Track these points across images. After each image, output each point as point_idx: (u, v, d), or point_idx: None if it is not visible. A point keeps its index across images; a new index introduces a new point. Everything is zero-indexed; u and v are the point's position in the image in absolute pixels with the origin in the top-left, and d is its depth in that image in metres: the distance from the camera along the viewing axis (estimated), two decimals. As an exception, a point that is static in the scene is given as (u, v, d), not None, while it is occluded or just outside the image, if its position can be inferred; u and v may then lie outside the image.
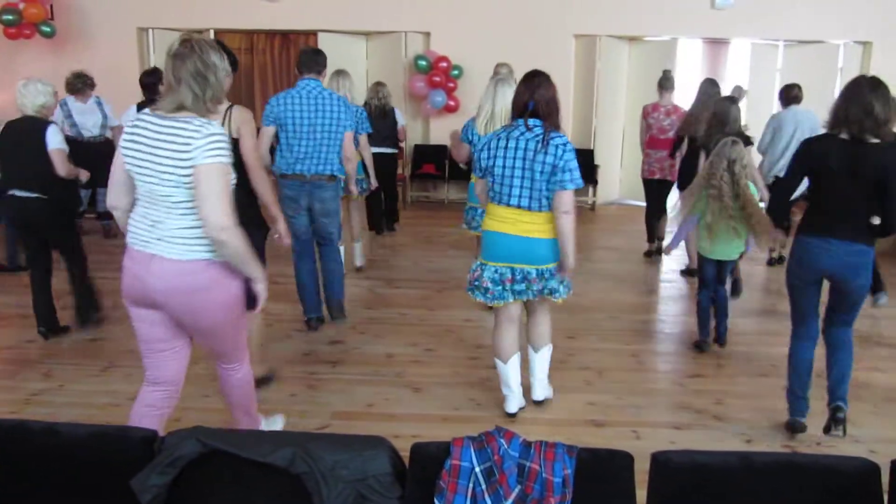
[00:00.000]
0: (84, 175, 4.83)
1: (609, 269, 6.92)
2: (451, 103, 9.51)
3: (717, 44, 10.42)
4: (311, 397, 4.01)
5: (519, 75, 4.62)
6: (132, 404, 3.76)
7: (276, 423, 3.57)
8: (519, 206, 3.52)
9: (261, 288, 2.76)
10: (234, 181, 2.65)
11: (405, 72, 9.57)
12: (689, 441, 3.60)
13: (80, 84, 7.27)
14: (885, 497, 1.78)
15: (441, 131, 9.60)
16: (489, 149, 3.61)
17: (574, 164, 3.49)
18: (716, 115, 5.29)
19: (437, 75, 9.32)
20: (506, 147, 3.55)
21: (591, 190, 9.89)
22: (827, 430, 3.64)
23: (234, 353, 2.95)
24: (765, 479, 1.72)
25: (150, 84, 5.51)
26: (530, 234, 3.54)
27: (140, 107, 5.67)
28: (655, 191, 6.96)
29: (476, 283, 3.67)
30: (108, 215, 7.66)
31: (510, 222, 3.56)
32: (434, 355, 4.64)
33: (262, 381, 3.90)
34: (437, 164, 9.63)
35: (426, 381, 4.24)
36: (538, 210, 3.52)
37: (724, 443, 3.66)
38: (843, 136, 3.36)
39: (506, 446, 1.77)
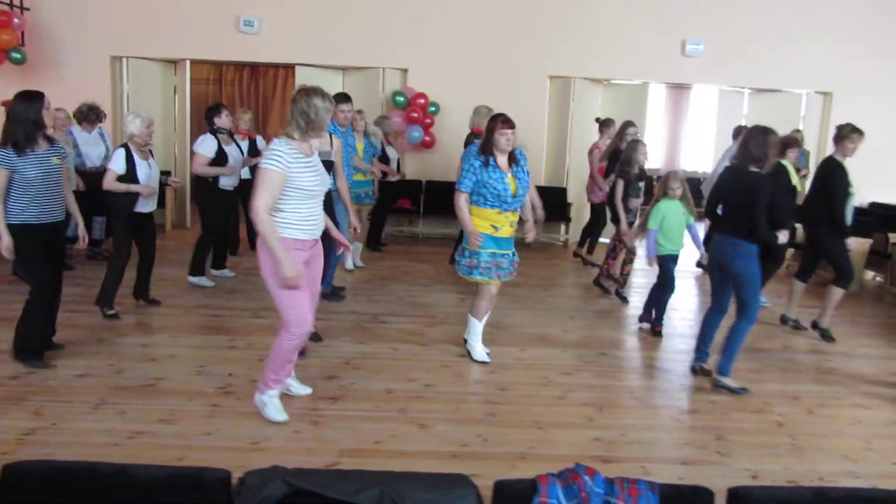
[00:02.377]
0: (141, 189, 5.64)
1: (588, 305, 7.01)
2: (428, 139, 9.59)
3: (679, 88, 10.79)
4: (316, 434, 3.92)
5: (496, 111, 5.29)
6: (132, 443, 3.68)
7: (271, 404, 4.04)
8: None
9: (278, 268, 3.64)
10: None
11: (382, 107, 9.62)
12: (698, 476, 3.62)
13: (92, 115, 7.48)
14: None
15: (417, 166, 9.67)
16: None
17: None
18: (625, 154, 6.82)
19: (415, 111, 9.40)
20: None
21: (563, 227, 10.05)
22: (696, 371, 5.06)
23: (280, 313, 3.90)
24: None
25: (210, 117, 6.74)
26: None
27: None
28: (602, 211, 8.19)
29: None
30: (98, 243, 7.55)
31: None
32: (434, 391, 4.61)
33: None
34: (412, 198, 9.66)
35: (430, 417, 4.20)
36: None
37: (731, 478, 3.68)
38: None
39: (590, 483, 1.77)
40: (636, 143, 6.82)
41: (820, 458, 3.97)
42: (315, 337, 5.24)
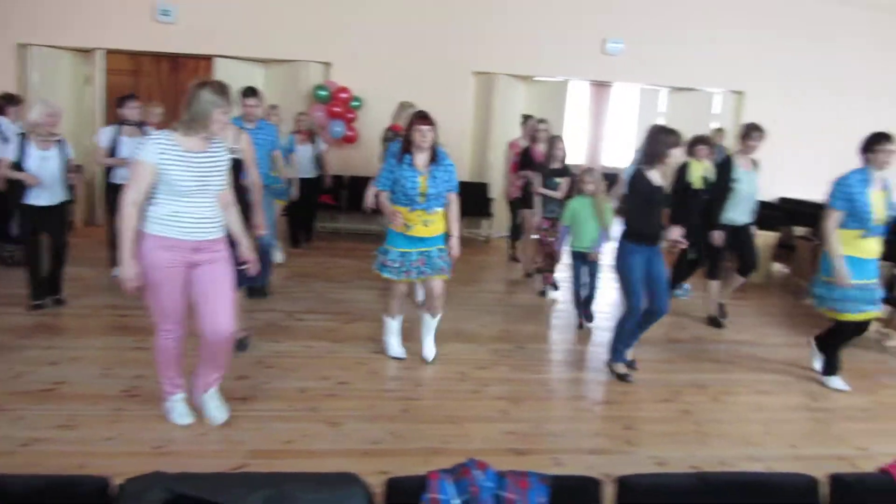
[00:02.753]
0: (23, 178, 5.45)
1: (508, 300, 7.10)
2: (350, 134, 9.51)
3: (601, 86, 11.01)
4: (224, 436, 3.83)
5: (420, 108, 5.20)
6: (27, 451, 3.52)
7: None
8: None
9: (121, 270, 3.53)
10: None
11: (304, 101, 9.48)
12: (607, 466, 3.69)
13: (14, 101, 7.18)
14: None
15: (340, 161, 9.56)
16: None
17: None
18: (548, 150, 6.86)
19: (337, 106, 9.30)
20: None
21: (485, 223, 10.11)
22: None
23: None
24: (720, 497, 1.83)
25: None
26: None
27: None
28: (515, 207, 8.15)
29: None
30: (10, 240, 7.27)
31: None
32: (348, 388, 4.57)
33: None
34: (334, 194, 9.55)
35: (343, 415, 4.16)
36: None
37: (637, 466, 3.77)
38: None
39: (481, 477, 1.77)
40: (553, 139, 6.91)
41: (723, 444, 4.11)
42: (240, 345, 4.90)
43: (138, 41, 9.44)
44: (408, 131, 4.71)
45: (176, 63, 13.73)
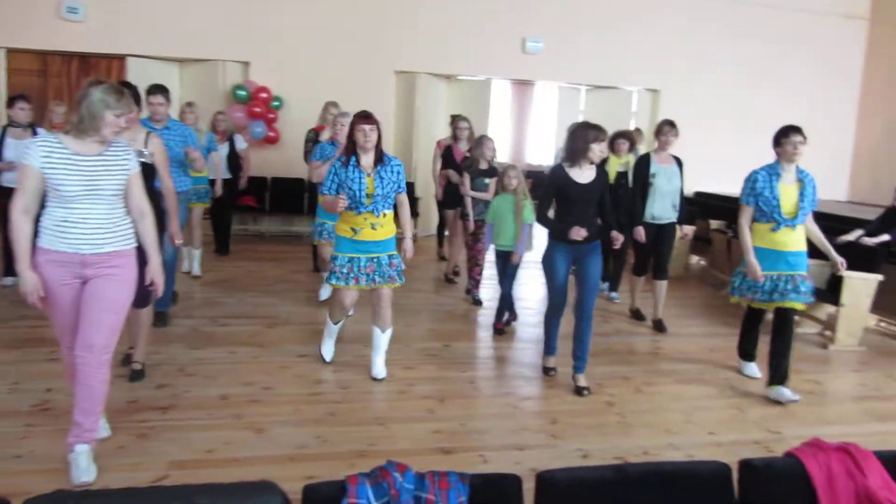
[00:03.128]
0: None
1: (434, 299, 7.10)
2: (272, 134, 9.34)
3: (523, 85, 11.15)
4: (143, 448, 3.70)
5: (341, 108, 5.06)
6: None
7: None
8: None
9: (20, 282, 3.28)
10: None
11: (222, 101, 9.26)
12: (533, 461, 3.75)
13: None
14: (736, 491, 2.02)
15: (261, 163, 9.38)
16: None
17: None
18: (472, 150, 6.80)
19: (257, 106, 9.13)
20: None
21: (411, 222, 10.08)
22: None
23: None
24: (638, 488, 1.87)
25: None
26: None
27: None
28: (440, 206, 8.22)
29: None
30: None
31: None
32: (272, 393, 4.48)
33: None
34: (257, 196, 9.37)
35: (267, 420, 4.08)
36: None
37: (563, 459, 3.83)
38: None
39: (401, 479, 1.75)
40: (482, 138, 6.89)
41: (645, 434, 4.21)
42: (136, 375, 4.57)
43: (43, 40, 9.04)
44: (350, 132, 4.57)
45: (86, 63, 13.17)
